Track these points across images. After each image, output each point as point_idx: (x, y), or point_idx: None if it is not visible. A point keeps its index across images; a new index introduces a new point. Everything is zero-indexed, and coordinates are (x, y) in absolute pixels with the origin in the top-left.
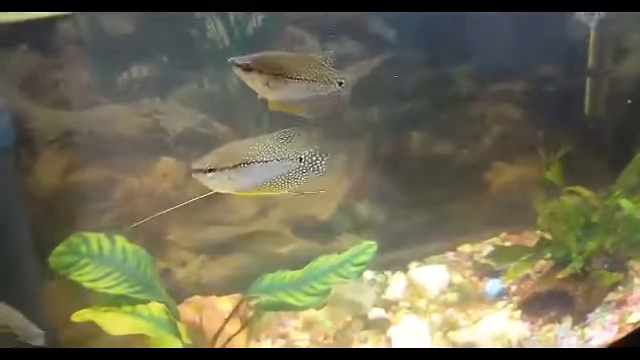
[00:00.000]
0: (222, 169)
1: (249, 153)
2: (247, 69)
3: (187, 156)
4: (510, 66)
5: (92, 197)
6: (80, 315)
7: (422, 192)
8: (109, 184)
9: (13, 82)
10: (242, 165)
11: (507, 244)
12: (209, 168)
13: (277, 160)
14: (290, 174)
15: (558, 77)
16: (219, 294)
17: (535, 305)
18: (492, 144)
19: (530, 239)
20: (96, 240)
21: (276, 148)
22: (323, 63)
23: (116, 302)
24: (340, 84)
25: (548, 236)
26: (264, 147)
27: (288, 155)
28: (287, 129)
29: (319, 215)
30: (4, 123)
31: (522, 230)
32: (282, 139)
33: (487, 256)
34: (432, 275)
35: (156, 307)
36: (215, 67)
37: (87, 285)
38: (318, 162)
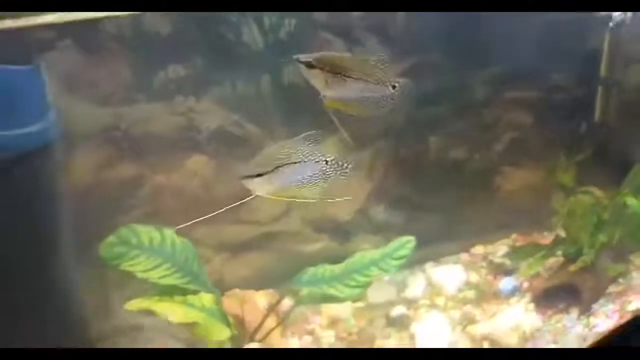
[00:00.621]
0: (267, 173)
1: (283, 155)
2: (309, 65)
3: (218, 155)
4: (526, 73)
5: (124, 194)
6: (135, 305)
7: (436, 195)
8: (141, 180)
9: (55, 77)
10: (278, 168)
11: (517, 244)
12: (257, 173)
13: (304, 161)
14: (317, 176)
15: (571, 85)
16: None
17: (546, 299)
18: (503, 149)
19: (539, 240)
20: (146, 232)
21: (305, 150)
22: (377, 65)
23: (168, 292)
24: (394, 87)
25: (562, 234)
26: (295, 149)
27: (315, 157)
28: (312, 131)
29: (340, 216)
30: (52, 118)
31: (531, 232)
32: (309, 141)
33: (504, 255)
34: (450, 274)
35: (206, 298)
36: (249, 69)
37: (140, 275)
38: (345, 164)
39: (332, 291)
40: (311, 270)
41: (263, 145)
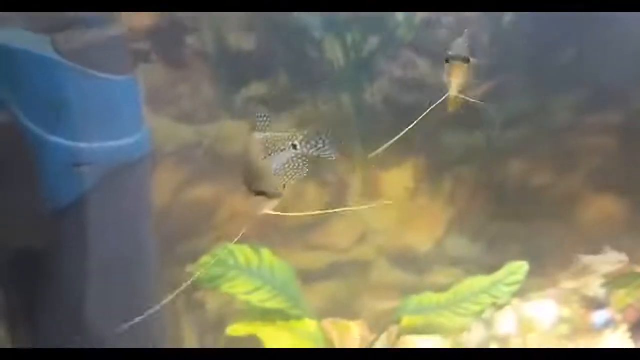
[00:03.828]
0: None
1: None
2: (467, 60)
3: None
4: (611, 96)
5: (200, 214)
6: (238, 329)
7: (517, 224)
8: (218, 202)
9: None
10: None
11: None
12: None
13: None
14: (289, 167)
15: None
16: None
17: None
18: (588, 175)
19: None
20: (242, 252)
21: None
22: None
23: (270, 316)
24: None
25: None
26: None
27: (280, 145)
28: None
29: (416, 247)
30: (147, 129)
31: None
32: (259, 129)
33: (600, 286)
34: (542, 309)
35: (310, 324)
36: (330, 87)
37: (241, 297)
38: (320, 144)
39: (440, 320)
40: (416, 298)
41: (342, 167)
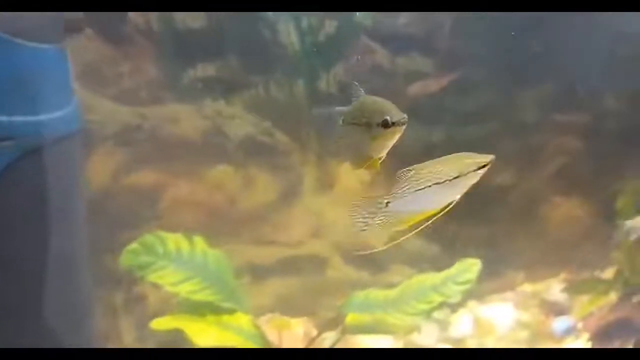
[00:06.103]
0: None
1: None
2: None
3: (245, 166)
4: (579, 93)
5: (139, 203)
6: (162, 323)
7: (476, 225)
8: (159, 190)
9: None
10: None
11: (573, 280)
12: None
13: None
14: None
15: (626, 108)
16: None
17: (603, 337)
18: (552, 176)
19: (594, 275)
20: (173, 240)
21: None
22: None
23: (198, 310)
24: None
25: (621, 266)
26: None
27: None
28: None
29: (371, 244)
30: (77, 104)
31: (583, 267)
32: None
33: (561, 291)
34: (499, 312)
35: (244, 319)
36: (283, 72)
37: (169, 289)
38: None
39: (387, 318)
40: (361, 294)
41: (293, 156)
